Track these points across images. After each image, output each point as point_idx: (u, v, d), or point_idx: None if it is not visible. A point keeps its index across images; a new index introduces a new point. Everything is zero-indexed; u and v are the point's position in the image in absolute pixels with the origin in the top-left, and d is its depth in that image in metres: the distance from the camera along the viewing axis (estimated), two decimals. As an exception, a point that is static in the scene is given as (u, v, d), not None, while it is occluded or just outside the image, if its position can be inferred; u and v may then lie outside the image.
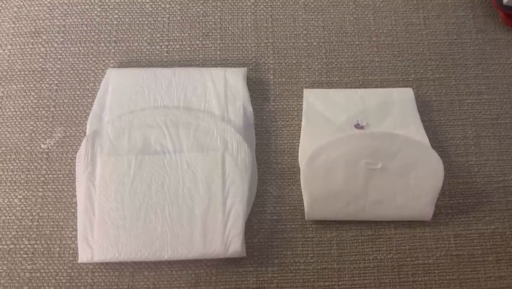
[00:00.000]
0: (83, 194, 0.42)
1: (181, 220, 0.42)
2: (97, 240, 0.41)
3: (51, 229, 0.43)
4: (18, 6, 0.50)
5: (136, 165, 0.43)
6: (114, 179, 0.42)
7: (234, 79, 0.46)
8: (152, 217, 0.42)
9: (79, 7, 0.51)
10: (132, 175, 0.42)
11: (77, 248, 0.41)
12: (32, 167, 0.45)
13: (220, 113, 0.45)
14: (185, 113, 0.44)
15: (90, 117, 0.45)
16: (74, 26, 0.50)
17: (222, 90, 0.46)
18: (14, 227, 0.43)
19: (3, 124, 0.46)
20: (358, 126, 0.45)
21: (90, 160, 0.42)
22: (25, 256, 0.43)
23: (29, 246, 0.43)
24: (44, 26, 0.50)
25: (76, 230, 0.42)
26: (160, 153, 0.43)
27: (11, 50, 0.49)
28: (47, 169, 0.45)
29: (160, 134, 0.44)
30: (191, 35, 0.50)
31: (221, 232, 0.41)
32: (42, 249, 0.43)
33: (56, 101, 0.47)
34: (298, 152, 0.45)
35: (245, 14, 0.51)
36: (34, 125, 0.46)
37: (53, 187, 0.44)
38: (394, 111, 0.46)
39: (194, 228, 0.41)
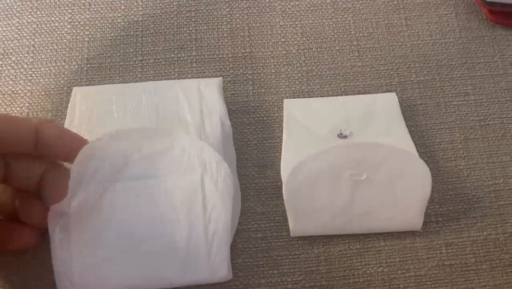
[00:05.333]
0: (57, 228, 0.39)
1: (162, 249, 0.39)
2: (77, 276, 0.38)
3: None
4: (-15, 27, 0.49)
5: (108, 193, 0.40)
6: (87, 211, 0.39)
7: (209, 91, 0.44)
8: (131, 247, 0.39)
9: (48, 26, 0.49)
10: (104, 205, 0.39)
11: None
12: (5, 195, 0.43)
13: (196, 130, 0.42)
14: (158, 133, 0.41)
15: None
16: (43, 45, 0.48)
17: (196, 104, 0.43)
18: (-11, 260, 0.42)
19: (-27, 152, 0.45)
20: (341, 135, 0.44)
21: None
22: (1, 289, 0.41)
23: None
24: (13, 47, 0.48)
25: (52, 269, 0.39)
26: (133, 179, 0.40)
27: (-21, 74, 0.47)
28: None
29: (132, 159, 0.40)
30: (165, 48, 0.48)
31: (205, 259, 0.39)
32: None
33: (27, 125, 0.46)
34: (280, 165, 0.44)
35: (220, 23, 0.49)
36: (6, 151, 0.45)
37: (28, 215, 0.43)
38: (378, 118, 0.44)
39: (176, 257, 0.39)
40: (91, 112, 0.43)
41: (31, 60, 0.48)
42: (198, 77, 0.47)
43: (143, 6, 0.50)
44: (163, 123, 0.43)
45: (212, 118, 0.43)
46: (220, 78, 0.45)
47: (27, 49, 0.48)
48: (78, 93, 0.44)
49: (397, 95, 0.46)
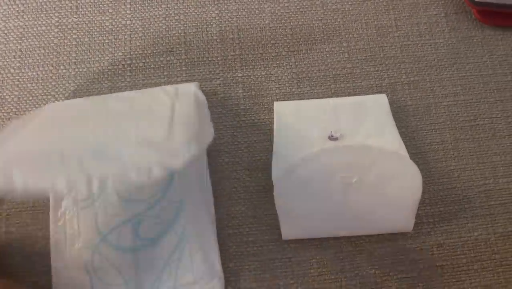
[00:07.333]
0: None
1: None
2: None
3: (18, 268, 0.41)
4: (-29, 32, 0.48)
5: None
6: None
7: (185, 88, 0.43)
8: None
9: (35, 29, 0.48)
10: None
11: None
12: (-7, 202, 0.43)
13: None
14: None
15: None
16: (31, 49, 0.48)
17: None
18: (-23, 267, 0.41)
19: (-40, 159, 0.44)
20: (332, 138, 0.44)
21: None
22: (-10, 297, 0.40)
23: (-7, 286, 0.41)
24: (-1, 52, 0.48)
25: (45, 265, 0.40)
26: None
27: (-35, 79, 0.46)
28: (9, 203, 0.43)
29: None
30: (154, 52, 0.48)
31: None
32: (8, 289, 0.41)
33: (15, 130, 0.45)
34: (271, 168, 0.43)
35: (209, 26, 0.49)
36: (-6, 157, 0.44)
37: (16, 221, 0.42)
38: (368, 119, 0.44)
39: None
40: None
41: (18, 65, 0.47)
42: (188, 80, 0.47)
43: (132, 9, 0.49)
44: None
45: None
46: (196, 83, 0.45)
47: (14, 53, 0.47)
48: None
49: (387, 96, 0.46)
